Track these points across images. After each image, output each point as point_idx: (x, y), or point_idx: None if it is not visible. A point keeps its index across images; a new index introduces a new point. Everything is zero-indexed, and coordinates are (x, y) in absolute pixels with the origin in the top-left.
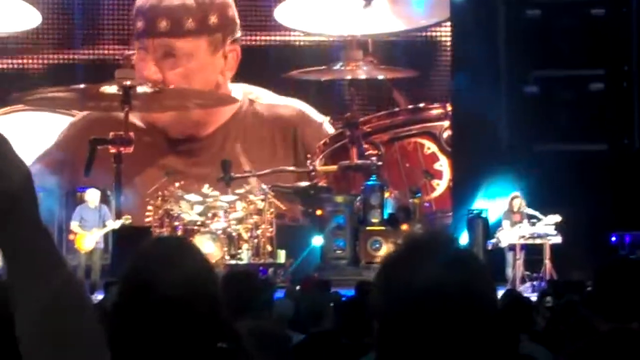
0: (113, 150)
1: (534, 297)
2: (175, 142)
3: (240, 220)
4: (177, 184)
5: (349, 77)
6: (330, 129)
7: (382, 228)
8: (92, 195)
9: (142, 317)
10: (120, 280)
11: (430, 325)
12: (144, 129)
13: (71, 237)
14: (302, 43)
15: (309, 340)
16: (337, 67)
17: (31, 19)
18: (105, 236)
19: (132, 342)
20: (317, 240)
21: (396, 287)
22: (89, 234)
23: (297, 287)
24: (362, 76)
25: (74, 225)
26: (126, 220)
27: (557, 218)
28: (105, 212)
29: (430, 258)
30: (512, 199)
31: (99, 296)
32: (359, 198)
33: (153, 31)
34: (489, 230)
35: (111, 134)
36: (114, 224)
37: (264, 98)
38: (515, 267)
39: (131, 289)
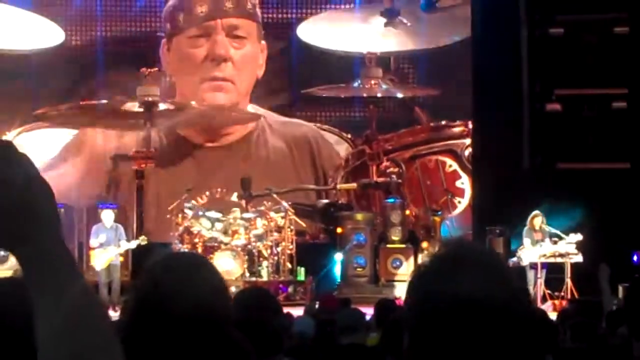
0: (135, 167)
1: (553, 316)
2: (198, 153)
3: (260, 238)
4: (194, 201)
5: (365, 94)
6: (341, 148)
7: (403, 246)
8: (107, 216)
9: (151, 334)
10: (131, 296)
11: (466, 336)
12: (165, 143)
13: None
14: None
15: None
16: (356, 84)
17: (54, 36)
18: (126, 254)
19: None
20: (339, 257)
21: (429, 299)
22: (104, 252)
23: (316, 304)
24: (380, 94)
25: (94, 242)
26: (142, 241)
27: (579, 237)
28: (121, 232)
29: (467, 268)
30: (533, 217)
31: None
32: (379, 216)
33: (220, 12)
34: (510, 249)
35: (133, 150)
36: (128, 244)
37: (273, 116)
38: (536, 285)
39: (140, 305)
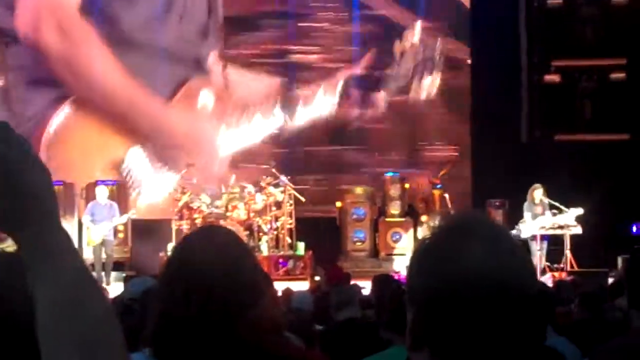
0: None
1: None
2: None
3: (259, 213)
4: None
5: None
6: None
7: (402, 219)
8: (101, 192)
9: (179, 300)
10: (163, 277)
11: (472, 309)
12: None
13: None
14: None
15: (337, 328)
16: None
17: None
18: (126, 230)
19: (180, 339)
20: None
21: (436, 269)
22: (97, 227)
23: (317, 278)
24: None
25: (85, 219)
26: (132, 214)
27: (580, 211)
28: (115, 208)
29: (475, 239)
30: (533, 190)
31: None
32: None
33: None
34: (510, 222)
35: None
36: (120, 219)
37: None
38: (536, 257)
39: (174, 285)
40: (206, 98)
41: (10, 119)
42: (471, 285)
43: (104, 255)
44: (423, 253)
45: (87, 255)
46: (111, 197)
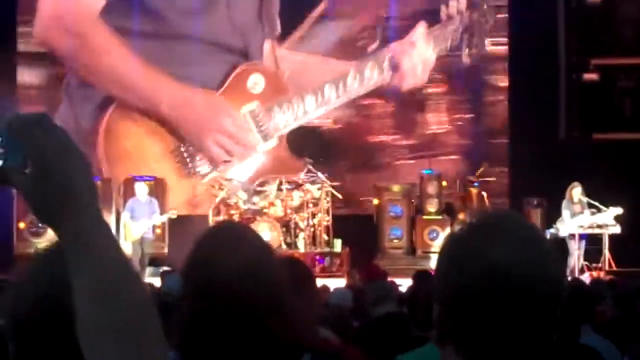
0: None
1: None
2: None
3: (296, 209)
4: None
5: None
6: None
7: (439, 217)
8: (140, 189)
9: (206, 309)
10: (182, 275)
11: (497, 306)
12: None
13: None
14: None
15: (374, 324)
16: None
17: None
18: (163, 225)
19: (201, 338)
20: None
21: (461, 266)
22: (136, 224)
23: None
24: None
25: (125, 216)
26: (172, 215)
27: (619, 210)
28: (154, 205)
29: (500, 236)
30: (572, 188)
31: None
32: (416, 187)
33: None
34: (548, 220)
35: None
36: (160, 218)
37: None
38: (574, 256)
39: (192, 282)
40: (256, 82)
41: (71, 114)
42: (496, 283)
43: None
44: (450, 249)
45: (127, 251)
46: (150, 193)
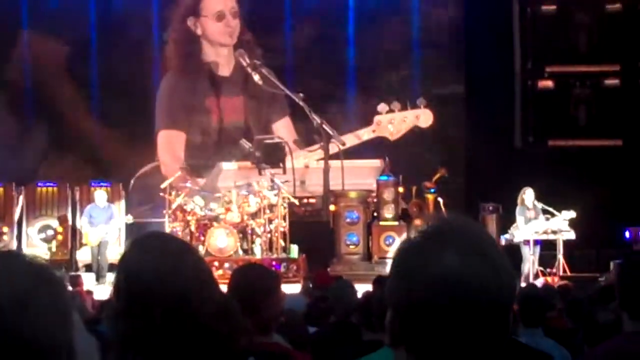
0: None
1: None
2: None
3: (253, 215)
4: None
5: None
6: None
7: (396, 223)
8: (100, 196)
9: (137, 318)
10: (114, 283)
11: (446, 313)
12: None
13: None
14: None
15: (329, 330)
16: None
17: None
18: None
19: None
20: None
21: (412, 274)
22: (94, 230)
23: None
24: None
25: (83, 221)
26: (128, 220)
27: (572, 214)
28: (113, 211)
29: (450, 244)
30: (523, 193)
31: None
32: (372, 193)
33: None
34: (503, 226)
35: None
36: (117, 223)
37: None
38: (529, 262)
39: (123, 290)
40: None
41: None
42: (443, 292)
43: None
44: (402, 256)
45: (85, 256)
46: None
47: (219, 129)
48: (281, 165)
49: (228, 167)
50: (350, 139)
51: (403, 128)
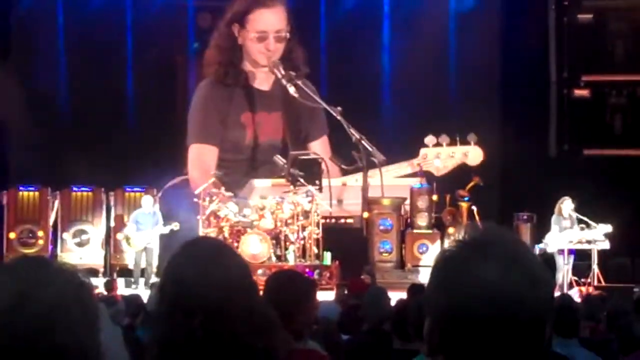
0: None
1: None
2: None
3: (287, 222)
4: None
5: None
6: None
7: (429, 231)
8: (146, 201)
9: (179, 323)
10: (158, 287)
11: (485, 324)
12: None
13: (119, 236)
14: None
15: (362, 338)
16: None
17: None
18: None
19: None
20: None
21: (452, 285)
22: (140, 235)
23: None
24: None
25: (131, 227)
26: (175, 226)
27: (609, 228)
28: (158, 217)
29: (489, 256)
30: (562, 203)
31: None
32: (406, 201)
33: None
34: (537, 235)
35: None
36: (163, 229)
37: None
38: (563, 271)
39: (168, 294)
40: None
41: None
42: (482, 304)
43: (143, 264)
44: (440, 267)
45: (129, 260)
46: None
47: (253, 146)
48: (317, 182)
49: (261, 184)
50: (394, 171)
51: (450, 165)
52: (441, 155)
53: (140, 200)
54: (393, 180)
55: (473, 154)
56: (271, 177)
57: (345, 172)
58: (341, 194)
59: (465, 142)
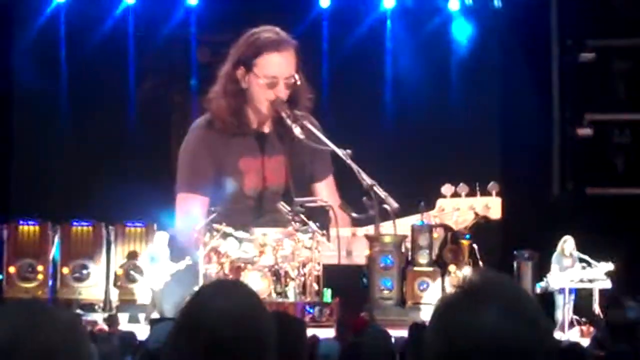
0: None
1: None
2: None
3: (287, 258)
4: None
5: None
6: None
7: (430, 269)
8: (159, 238)
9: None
10: (176, 322)
11: None
12: None
13: (143, 259)
14: None
15: None
16: None
17: None
18: None
19: None
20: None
21: (452, 329)
22: (155, 272)
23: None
24: None
25: (145, 263)
26: (188, 261)
27: (610, 267)
28: (169, 253)
29: (488, 305)
30: (564, 242)
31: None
32: (407, 238)
33: None
34: (539, 273)
35: None
36: (177, 265)
37: None
38: (564, 311)
39: (182, 329)
40: None
41: None
42: (483, 350)
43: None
44: (441, 312)
45: (138, 294)
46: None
47: (254, 194)
48: (324, 232)
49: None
50: (407, 225)
51: (469, 219)
52: (460, 208)
53: (144, 235)
54: (407, 231)
55: (495, 207)
56: (275, 226)
57: (355, 221)
58: (350, 244)
59: (486, 193)
